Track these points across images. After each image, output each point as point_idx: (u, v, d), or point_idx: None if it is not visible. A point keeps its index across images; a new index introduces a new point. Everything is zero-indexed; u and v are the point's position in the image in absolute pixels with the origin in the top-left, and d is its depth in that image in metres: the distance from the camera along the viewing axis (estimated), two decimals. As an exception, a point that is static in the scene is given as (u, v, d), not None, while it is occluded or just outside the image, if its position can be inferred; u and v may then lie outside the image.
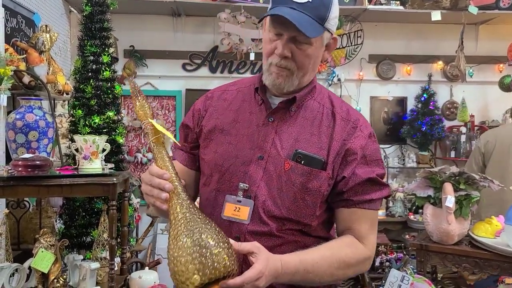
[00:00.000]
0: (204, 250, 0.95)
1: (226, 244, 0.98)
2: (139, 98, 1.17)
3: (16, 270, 1.94)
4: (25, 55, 2.42)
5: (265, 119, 1.19)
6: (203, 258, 0.94)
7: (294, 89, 1.19)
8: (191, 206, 1.03)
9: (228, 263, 0.96)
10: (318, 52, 1.16)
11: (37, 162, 1.78)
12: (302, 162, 1.14)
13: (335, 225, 1.26)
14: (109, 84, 2.34)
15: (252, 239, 1.10)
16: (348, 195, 1.16)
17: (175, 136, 1.18)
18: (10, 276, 1.92)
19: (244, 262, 1.05)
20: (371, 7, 3.74)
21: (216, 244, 0.96)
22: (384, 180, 1.22)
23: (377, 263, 3.59)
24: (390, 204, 3.95)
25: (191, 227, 0.98)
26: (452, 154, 4.08)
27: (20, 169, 1.78)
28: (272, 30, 1.13)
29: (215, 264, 0.95)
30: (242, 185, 1.15)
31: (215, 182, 1.19)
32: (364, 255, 1.18)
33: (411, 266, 3.09)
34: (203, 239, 0.96)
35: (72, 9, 3.59)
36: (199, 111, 1.29)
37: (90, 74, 2.32)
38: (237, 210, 1.13)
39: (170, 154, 1.18)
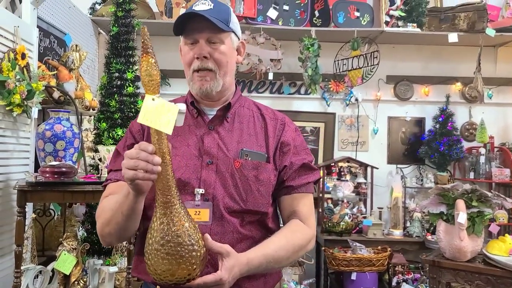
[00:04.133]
0: (181, 251, 1.02)
1: (200, 246, 1.05)
2: (150, 56, 1.04)
3: (40, 272, 2.05)
4: (56, 72, 2.59)
5: (206, 128, 1.31)
6: (180, 259, 1.02)
7: (224, 95, 1.33)
8: (174, 195, 1.05)
9: (197, 266, 1.04)
10: (231, 52, 1.32)
11: (63, 169, 1.90)
12: (250, 158, 1.28)
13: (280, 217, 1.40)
14: (132, 99, 2.48)
15: (216, 238, 1.17)
16: (288, 182, 1.33)
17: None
18: (34, 278, 2.03)
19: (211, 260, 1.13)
20: (388, 29, 3.81)
21: (193, 247, 1.03)
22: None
23: (394, 283, 3.56)
24: (408, 224, 3.93)
25: (172, 223, 1.03)
26: (471, 175, 4.05)
27: (47, 175, 1.90)
28: (188, 41, 1.29)
29: (188, 266, 1.03)
30: (198, 190, 1.23)
31: None
32: (310, 235, 1.33)
33: (426, 285, 3.07)
34: (181, 239, 1.02)
35: (101, 30, 3.80)
36: (139, 132, 1.33)
37: (114, 89, 2.47)
38: (198, 213, 1.22)
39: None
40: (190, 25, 1.27)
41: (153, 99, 1.01)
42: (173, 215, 1.04)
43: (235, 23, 1.33)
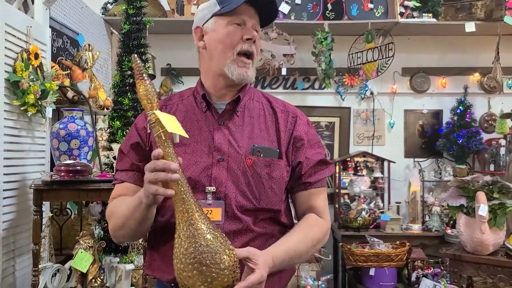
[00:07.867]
0: (211, 264, 1.00)
1: (231, 251, 1.04)
2: (145, 80, 1.05)
3: (58, 270, 2.06)
4: (69, 72, 2.61)
5: (216, 123, 1.26)
6: (209, 271, 1.00)
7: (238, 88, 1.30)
8: (196, 207, 1.04)
9: (233, 271, 1.03)
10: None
11: (78, 168, 1.91)
12: (262, 155, 1.24)
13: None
14: (145, 97, 2.47)
15: (229, 237, 1.14)
16: (305, 178, 1.29)
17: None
18: (52, 276, 2.05)
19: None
20: (402, 20, 3.74)
21: (223, 256, 1.02)
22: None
23: (413, 278, 3.50)
24: (426, 218, 3.86)
25: (197, 234, 1.02)
26: (491, 167, 3.96)
27: (62, 174, 1.91)
28: (235, 20, 1.24)
29: (221, 275, 1.01)
30: (209, 188, 1.20)
31: None
32: (326, 228, 1.32)
33: (447, 280, 3.01)
34: (211, 250, 1.01)
35: (113, 30, 3.81)
36: (144, 129, 1.28)
37: (127, 87, 2.46)
38: (210, 213, 1.18)
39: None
40: (243, 7, 1.23)
41: (159, 112, 1.05)
42: (195, 230, 1.03)
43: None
